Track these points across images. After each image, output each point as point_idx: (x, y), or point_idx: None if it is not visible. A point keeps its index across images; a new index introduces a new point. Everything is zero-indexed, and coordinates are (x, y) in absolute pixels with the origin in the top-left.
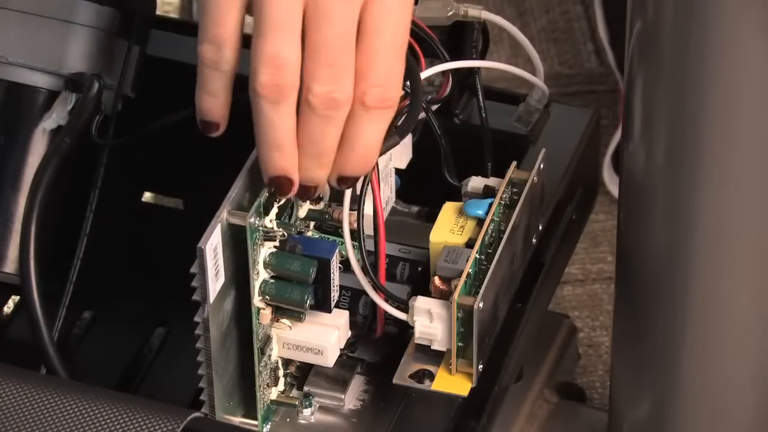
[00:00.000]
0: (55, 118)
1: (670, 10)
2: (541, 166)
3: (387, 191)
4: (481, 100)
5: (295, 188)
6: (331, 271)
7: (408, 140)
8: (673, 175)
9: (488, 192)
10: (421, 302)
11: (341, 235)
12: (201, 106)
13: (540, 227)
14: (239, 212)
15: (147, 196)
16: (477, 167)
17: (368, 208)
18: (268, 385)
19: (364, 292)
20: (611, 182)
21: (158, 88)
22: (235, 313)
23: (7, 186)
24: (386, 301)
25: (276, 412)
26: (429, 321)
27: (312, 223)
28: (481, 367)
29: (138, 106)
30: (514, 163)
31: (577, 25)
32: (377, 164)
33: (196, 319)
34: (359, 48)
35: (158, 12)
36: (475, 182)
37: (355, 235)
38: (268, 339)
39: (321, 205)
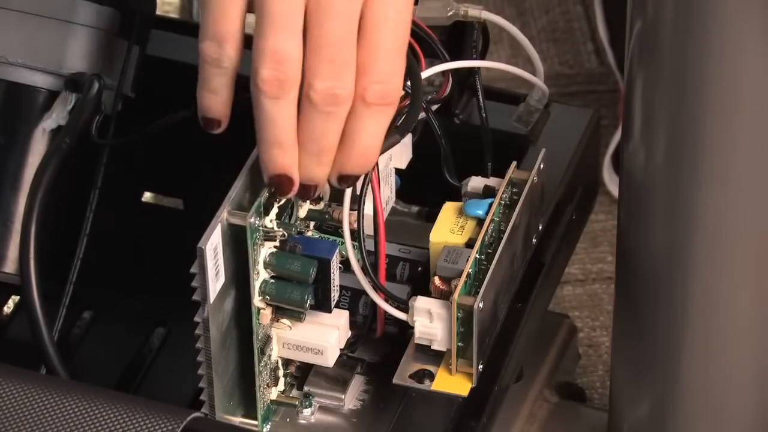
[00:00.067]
0: (55, 118)
1: (670, 10)
2: (541, 166)
3: (387, 191)
4: (481, 100)
5: (296, 188)
6: (331, 271)
7: (408, 140)
8: (673, 175)
9: (488, 192)
10: (421, 302)
11: (341, 235)
12: (202, 104)
13: (540, 227)
14: (239, 212)
15: (147, 196)
16: (477, 167)
17: (368, 208)
18: (268, 385)
19: (364, 292)
20: (611, 182)
21: (158, 88)
22: (235, 313)
23: (7, 186)
24: (386, 301)
25: (276, 412)
26: (429, 321)
27: (312, 223)
28: (481, 367)
29: (138, 106)
30: (514, 163)
31: (577, 25)
32: (377, 164)
33: (196, 319)
34: (360, 44)
35: (158, 12)
36: (475, 182)
37: (355, 235)
38: (268, 339)
39: (321, 205)
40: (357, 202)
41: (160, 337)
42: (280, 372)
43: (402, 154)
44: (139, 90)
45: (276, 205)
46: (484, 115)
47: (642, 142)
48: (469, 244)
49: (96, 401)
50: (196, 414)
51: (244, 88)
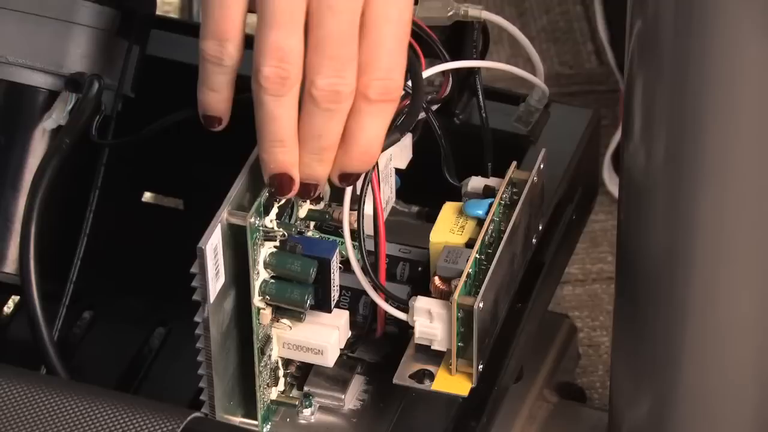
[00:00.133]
0: (55, 118)
1: (670, 10)
2: (541, 166)
3: (387, 191)
4: (481, 100)
5: (296, 188)
6: (331, 271)
7: (408, 140)
8: (673, 175)
9: (488, 192)
10: (421, 302)
11: (341, 235)
12: (203, 101)
13: (540, 227)
14: (239, 212)
15: (147, 196)
16: (477, 167)
17: (368, 208)
18: (268, 385)
19: (364, 292)
20: (611, 182)
21: (158, 88)
22: (235, 313)
23: (7, 186)
24: (386, 301)
25: (276, 412)
26: (429, 321)
27: (312, 223)
28: (481, 367)
29: (138, 106)
30: (514, 163)
31: (577, 25)
32: (377, 164)
33: (196, 319)
34: (362, 41)
35: (158, 12)
36: (475, 182)
37: (355, 235)
38: (268, 339)
39: (321, 205)
40: (357, 202)
41: (160, 337)
42: (280, 372)
43: (402, 154)
44: (139, 90)
45: (276, 205)
46: (484, 115)
47: (642, 142)
48: (469, 244)
49: (96, 401)
50: (196, 414)
51: (244, 88)
